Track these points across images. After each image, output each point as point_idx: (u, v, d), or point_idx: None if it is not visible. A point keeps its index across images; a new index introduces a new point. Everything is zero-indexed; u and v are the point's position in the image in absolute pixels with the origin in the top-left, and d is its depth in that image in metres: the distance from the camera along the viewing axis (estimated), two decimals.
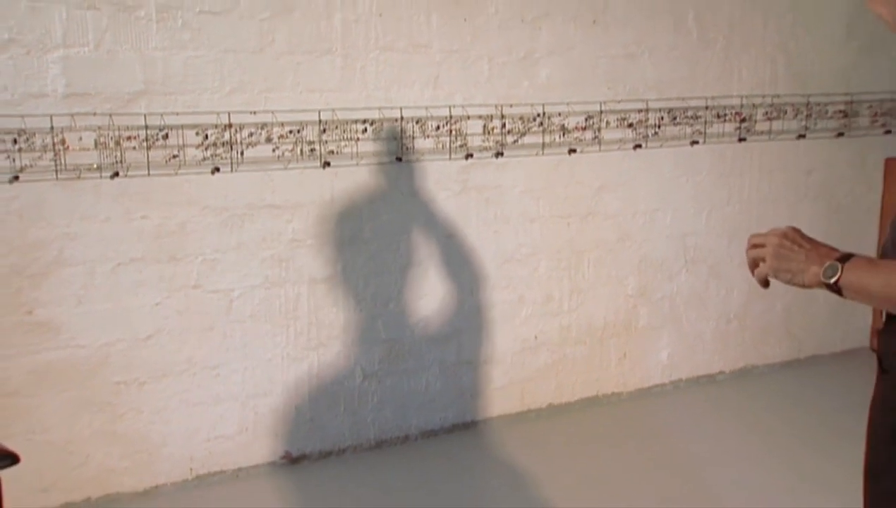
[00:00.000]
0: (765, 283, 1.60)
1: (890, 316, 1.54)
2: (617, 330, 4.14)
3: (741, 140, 4.26)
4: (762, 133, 4.31)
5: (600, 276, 4.02)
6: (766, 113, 4.30)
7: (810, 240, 1.54)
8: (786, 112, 4.34)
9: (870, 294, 1.43)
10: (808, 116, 4.41)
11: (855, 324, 4.79)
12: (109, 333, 3.09)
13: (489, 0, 3.53)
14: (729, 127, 4.22)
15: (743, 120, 4.24)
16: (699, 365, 4.40)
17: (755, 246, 1.59)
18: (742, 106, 4.23)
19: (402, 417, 3.68)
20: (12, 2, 2.76)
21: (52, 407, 3.04)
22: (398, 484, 3.34)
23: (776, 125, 4.34)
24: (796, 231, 1.55)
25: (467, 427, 3.80)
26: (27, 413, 3.00)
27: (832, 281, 1.43)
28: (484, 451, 3.63)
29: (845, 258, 1.45)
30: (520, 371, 3.90)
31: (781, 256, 1.54)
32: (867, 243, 4.62)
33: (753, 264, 1.60)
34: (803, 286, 1.51)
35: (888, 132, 4.62)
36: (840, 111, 4.48)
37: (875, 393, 1.57)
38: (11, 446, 2.72)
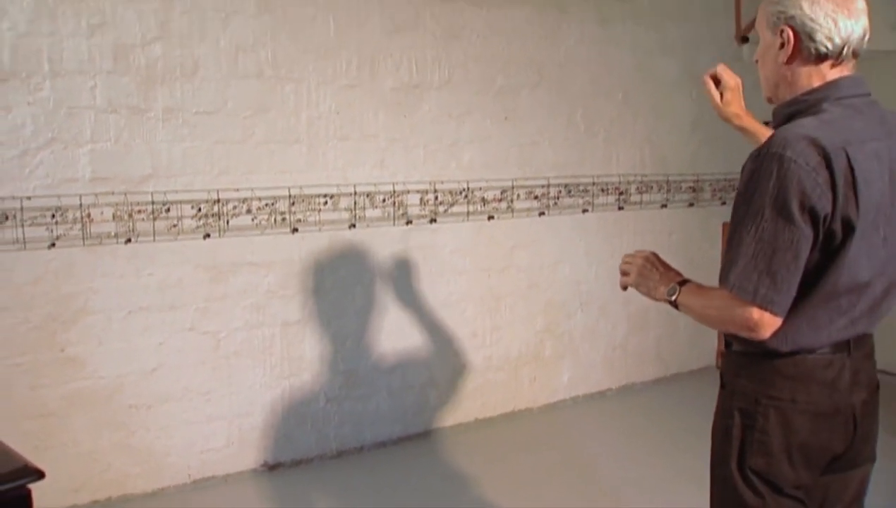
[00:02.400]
0: (625, 289, 1.82)
1: (727, 344, 1.71)
2: (528, 359, 4.23)
3: (620, 208, 4.43)
4: (635, 203, 4.49)
5: (515, 317, 4.14)
6: (638, 188, 4.48)
7: (664, 264, 1.73)
8: (652, 187, 4.55)
9: (694, 312, 1.62)
10: (668, 191, 4.62)
11: (706, 347, 4.94)
12: (123, 367, 3.14)
13: (423, 101, 3.69)
14: (610, 198, 4.39)
15: (621, 193, 4.42)
16: (592, 384, 4.50)
17: (626, 262, 1.80)
18: (620, 182, 4.41)
19: (358, 432, 3.71)
20: (55, 109, 2.89)
21: (80, 426, 3.08)
22: (356, 486, 3.39)
23: (645, 197, 4.53)
24: (656, 256, 1.75)
25: (411, 439, 3.84)
26: (61, 430, 3.04)
27: (672, 298, 1.64)
28: (425, 458, 3.67)
29: (684, 282, 1.65)
30: (452, 393, 3.98)
31: (643, 275, 1.73)
32: (712, 282, 4.54)
33: (622, 274, 1.80)
34: (655, 299, 1.70)
35: (724, 203, 4.83)
36: (690, 187, 4.70)
37: (717, 402, 1.72)
38: (49, 456, 2.89)
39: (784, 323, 1.52)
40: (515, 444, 3.86)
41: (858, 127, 1.52)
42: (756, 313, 1.48)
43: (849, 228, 1.47)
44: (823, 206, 1.44)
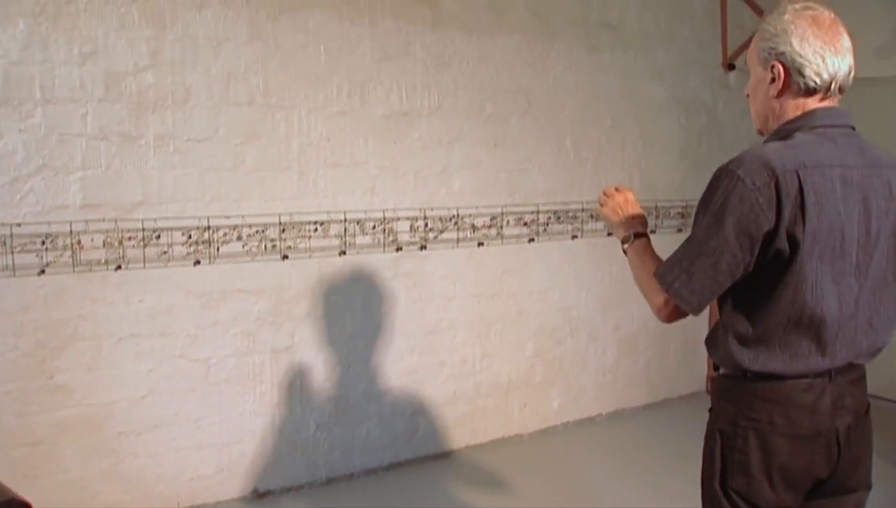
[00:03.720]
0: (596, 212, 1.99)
1: (715, 367, 1.77)
2: (518, 384, 4.23)
3: (609, 234, 4.35)
4: None
5: (504, 343, 4.15)
6: None
7: (633, 211, 1.90)
8: None
9: (631, 268, 1.81)
10: (657, 216, 4.65)
11: (696, 372, 4.97)
12: (113, 394, 3.13)
13: (413, 127, 3.73)
14: (600, 224, 4.37)
15: None
16: (583, 410, 4.51)
17: (606, 195, 1.95)
18: None
19: (347, 459, 3.71)
20: (46, 136, 2.91)
21: (69, 453, 3.07)
22: None
23: None
24: (631, 202, 1.92)
25: (401, 466, 3.84)
26: (50, 458, 3.03)
27: (623, 246, 1.85)
28: (415, 485, 3.67)
29: (639, 236, 1.83)
30: (442, 419, 3.98)
31: (614, 211, 1.91)
32: None
33: (600, 203, 1.96)
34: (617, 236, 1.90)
35: None
36: (679, 212, 4.75)
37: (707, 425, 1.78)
38: (37, 484, 2.88)
39: (752, 342, 1.63)
40: (506, 471, 3.85)
41: (823, 152, 1.58)
42: (663, 300, 1.66)
43: (794, 246, 1.55)
44: (760, 225, 1.54)
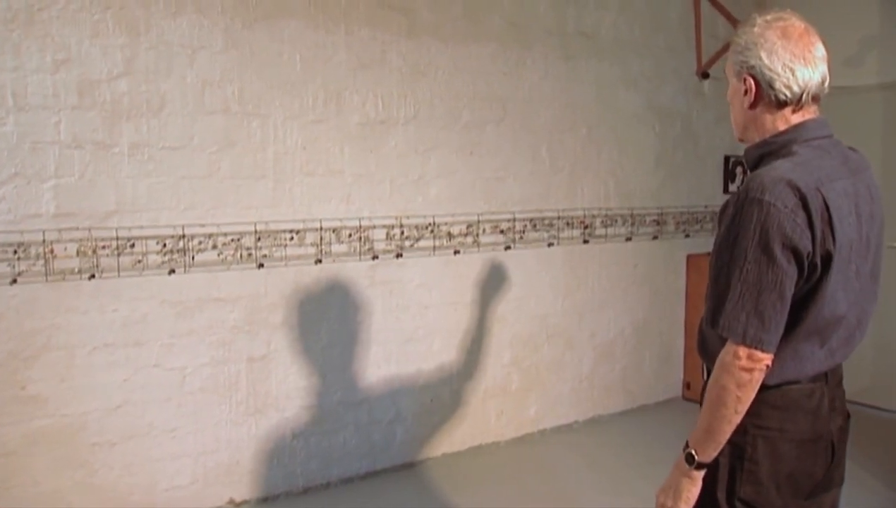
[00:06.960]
0: None
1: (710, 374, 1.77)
2: (495, 392, 4.26)
3: (585, 242, 4.51)
4: (600, 236, 4.57)
5: (481, 350, 4.17)
6: (603, 221, 4.57)
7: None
8: (616, 221, 4.64)
9: (712, 421, 1.60)
10: (633, 224, 4.71)
11: (671, 379, 5.04)
12: (87, 404, 3.13)
13: (390, 136, 3.76)
14: (576, 232, 4.46)
15: (586, 227, 4.50)
16: (559, 417, 4.55)
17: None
18: (585, 216, 4.48)
19: (324, 468, 3.72)
20: (19, 144, 2.91)
21: (42, 465, 3.06)
22: None
23: (610, 230, 4.61)
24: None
25: (378, 475, 3.86)
26: (22, 469, 3.02)
27: (694, 458, 1.63)
28: (393, 493, 3.68)
29: (689, 458, 1.63)
30: (419, 427, 3.99)
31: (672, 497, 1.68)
32: (677, 313, 4.92)
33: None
34: (690, 485, 1.65)
35: (687, 236, 4.96)
36: (654, 220, 4.80)
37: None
38: (9, 496, 2.84)
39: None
40: (483, 478, 3.88)
41: (827, 167, 1.62)
42: (745, 352, 1.56)
43: (828, 263, 1.57)
44: (805, 245, 1.54)
